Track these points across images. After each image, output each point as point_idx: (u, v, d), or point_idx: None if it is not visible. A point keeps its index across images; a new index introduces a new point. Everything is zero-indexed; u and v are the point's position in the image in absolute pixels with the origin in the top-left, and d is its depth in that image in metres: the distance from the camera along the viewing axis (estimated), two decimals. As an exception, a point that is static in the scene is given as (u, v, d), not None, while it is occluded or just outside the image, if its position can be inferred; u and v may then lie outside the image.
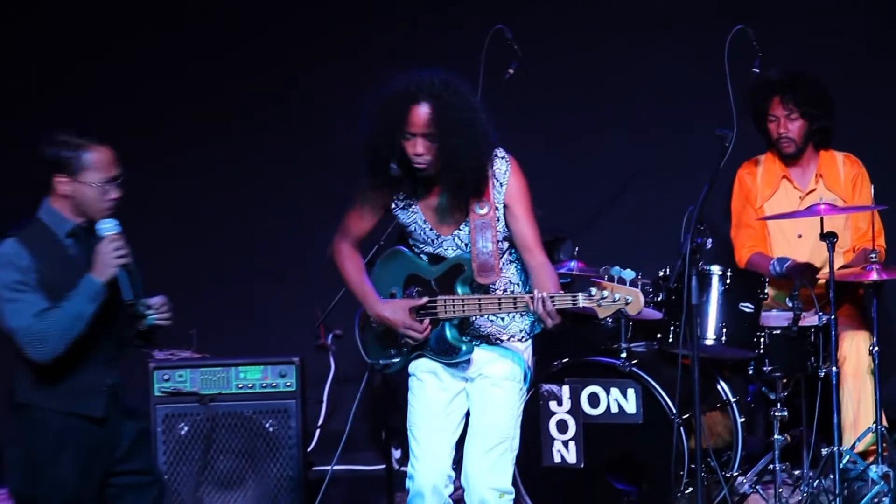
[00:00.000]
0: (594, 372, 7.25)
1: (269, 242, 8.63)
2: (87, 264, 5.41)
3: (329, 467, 7.45)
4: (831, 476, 7.17)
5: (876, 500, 7.14)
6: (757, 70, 7.28)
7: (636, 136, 8.99)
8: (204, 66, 9.12)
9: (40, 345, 5.35)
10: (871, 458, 7.29)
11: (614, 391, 7.19)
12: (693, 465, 7.02)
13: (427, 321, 5.73)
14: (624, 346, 7.32)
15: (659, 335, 7.34)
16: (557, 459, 7.25)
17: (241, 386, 7.24)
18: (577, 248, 7.79)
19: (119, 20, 9.16)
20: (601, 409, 7.20)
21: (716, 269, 7.26)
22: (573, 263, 7.70)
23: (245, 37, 9.23)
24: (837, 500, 7.11)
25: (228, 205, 9.02)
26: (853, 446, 7.34)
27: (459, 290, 5.72)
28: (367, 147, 5.62)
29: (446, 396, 5.84)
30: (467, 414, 5.89)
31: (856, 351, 7.50)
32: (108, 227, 5.40)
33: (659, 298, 7.35)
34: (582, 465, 7.24)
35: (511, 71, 7.71)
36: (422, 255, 5.82)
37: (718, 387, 7.48)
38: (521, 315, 5.78)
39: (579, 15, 9.08)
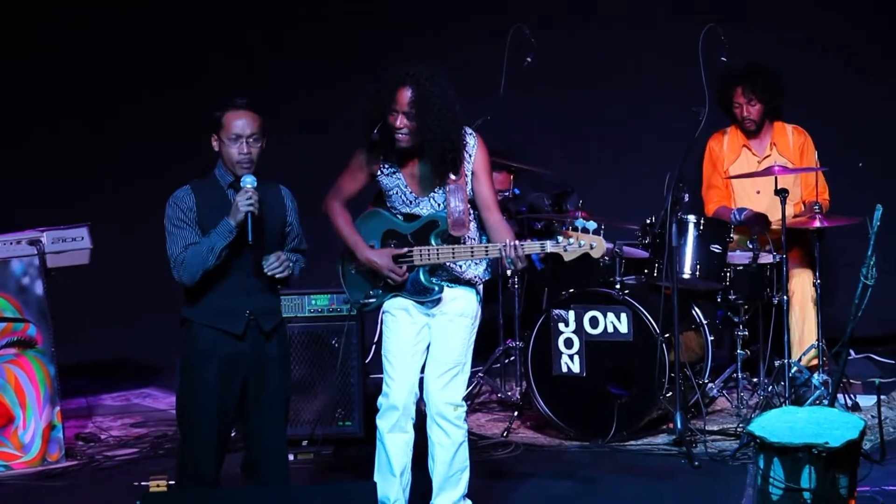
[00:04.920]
0: (594, 299, 7.67)
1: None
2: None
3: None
4: (782, 383, 7.71)
5: (817, 401, 7.57)
6: (724, 59, 7.62)
7: (630, 111, 9.55)
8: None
9: (181, 270, 5.69)
10: (814, 369, 7.91)
11: (610, 315, 7.62)
12: (672, 374, 7.47)
13: (405, 267, 6.14)
14: (618, 279, 7.74)
15: (646, 270, 7.84)
16: (565, 370, 7.69)
17: (312, 310, 7.62)
18: (580, 201, 8.15)
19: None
20: (600, 330, 7.63)
21: (691, 218, 7.73)
22: (578, 213, 7.93)
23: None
24: (787, 401, 7.59)
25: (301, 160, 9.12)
26: (800, 359, 7.96)
27: (433, 242, 6.11)
28: (362, 114, 6.08)
29: (415, 329, 6.21)
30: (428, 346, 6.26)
31: (802, 284, 8.12)
32: (246, 181, 5.70)
33: (646, 241, 7.83)
34: (584, 374, 7.66)
35: (529, 59, 8.27)
36: (398, 215, 6.19)
37: (693, 312, 7.98)
38: (477, 263, 6.19)
39: (586, 16, 9.62)
